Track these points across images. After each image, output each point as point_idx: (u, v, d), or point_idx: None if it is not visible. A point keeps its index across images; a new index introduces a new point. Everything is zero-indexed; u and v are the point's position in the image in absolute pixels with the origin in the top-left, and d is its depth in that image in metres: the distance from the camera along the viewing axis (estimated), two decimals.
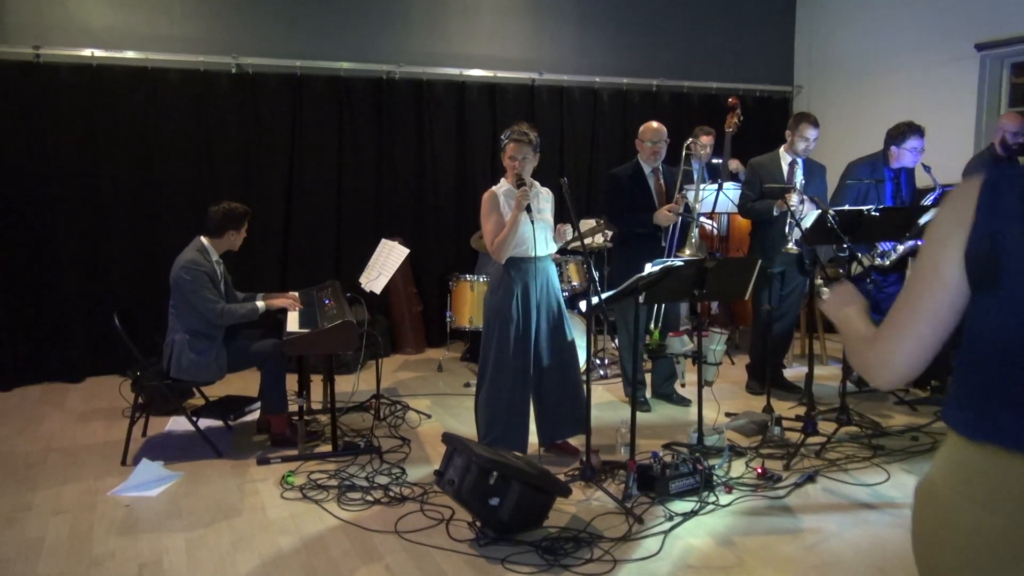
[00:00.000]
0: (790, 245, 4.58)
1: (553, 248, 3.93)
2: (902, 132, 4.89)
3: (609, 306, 3.60)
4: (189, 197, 5.82)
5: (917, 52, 6.64)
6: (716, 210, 5.58)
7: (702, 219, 6.01)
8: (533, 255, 3.78)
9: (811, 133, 4.78)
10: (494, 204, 3.83)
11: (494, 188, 3.88)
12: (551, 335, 3.88)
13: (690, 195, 4.63)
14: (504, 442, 3.75)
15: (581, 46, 7.03)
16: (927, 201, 4.89)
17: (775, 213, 4.71)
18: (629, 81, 7.12)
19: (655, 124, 4.62)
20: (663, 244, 4.58)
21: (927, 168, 4.90)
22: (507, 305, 3.79)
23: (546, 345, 3.87)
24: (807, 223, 4.15)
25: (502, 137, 3.84)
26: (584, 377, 3.73)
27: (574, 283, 5.49)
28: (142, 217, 5.76)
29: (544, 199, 3.93)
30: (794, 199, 4.47)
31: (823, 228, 4.07)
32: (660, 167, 4.66)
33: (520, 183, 3.71)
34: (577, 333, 5.21)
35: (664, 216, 4.49)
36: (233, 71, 5.94)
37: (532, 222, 3.66)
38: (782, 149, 4.93)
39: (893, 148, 4.93)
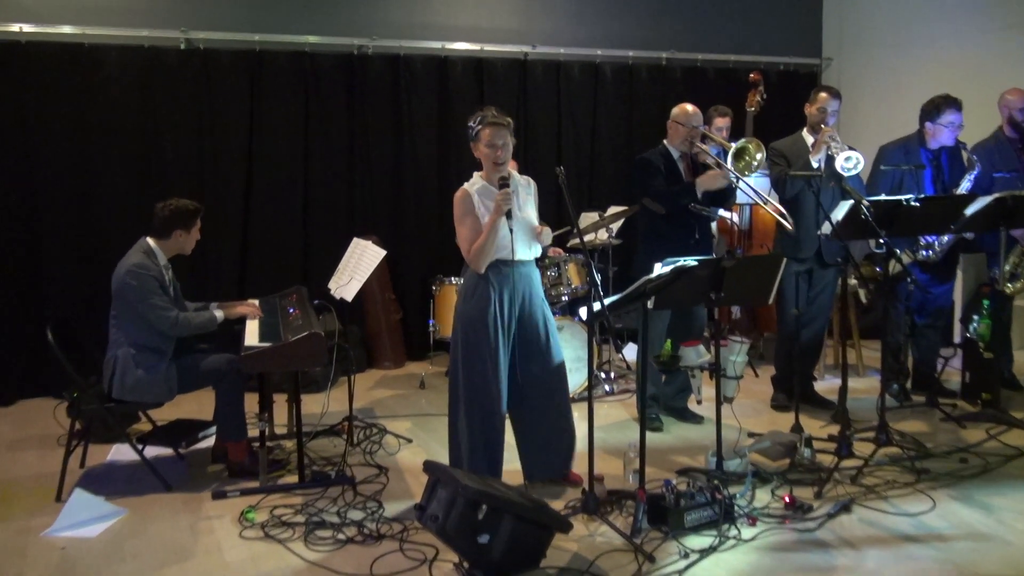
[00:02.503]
0: (824, 228, 4.49)
1: (537, 251, 3.89)
2: (936, 106, 4.89)
3: (615, 312, 3.56)
4: (134, 192, 5.80)
5: (957, 21, 6.65)
6: (737, 201, 5.57)
7: (721, 211, 6.00)
8: (512, 259, 3.74)
9: (832, 105, 4.80)
10: (468, 206, 3.78)
11: (466, 186, 3.83)
12: (535, 353, 3.84)
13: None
14: (474, 471, 3.70)
15: (579, 14, 7.02)
16: (966, 183, 4.86)
17: (813, 157, 4.73)
18: (635, 54, 7.12)
19: (690, 107, 4.71)
20: (696, 236, 4.63)
21: (963, 145, 4.89)
22: (483, 314, 3.74)
23: (528, 364, 3.84)
24: (838, 215, 4.12)
25: (470, 124, 3.77)
26: (586, 396, 3.71)
27: (574, 285, 5.47)
28: (80, 215, 5.74)
29: (525, 191, 3.87)
30: (830, 133, 4.63)
31: (857, 221, 4.05)
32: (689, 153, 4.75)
33: (503, 183, 3.66)
34: (577, 343, 5.25)
35: (708, 179, 4.52)
36: (182, 47, 5.92)
37: (511, 229, 3.64)
38: (804, 131, 4.96)
39: (928, 125, 4.94)
